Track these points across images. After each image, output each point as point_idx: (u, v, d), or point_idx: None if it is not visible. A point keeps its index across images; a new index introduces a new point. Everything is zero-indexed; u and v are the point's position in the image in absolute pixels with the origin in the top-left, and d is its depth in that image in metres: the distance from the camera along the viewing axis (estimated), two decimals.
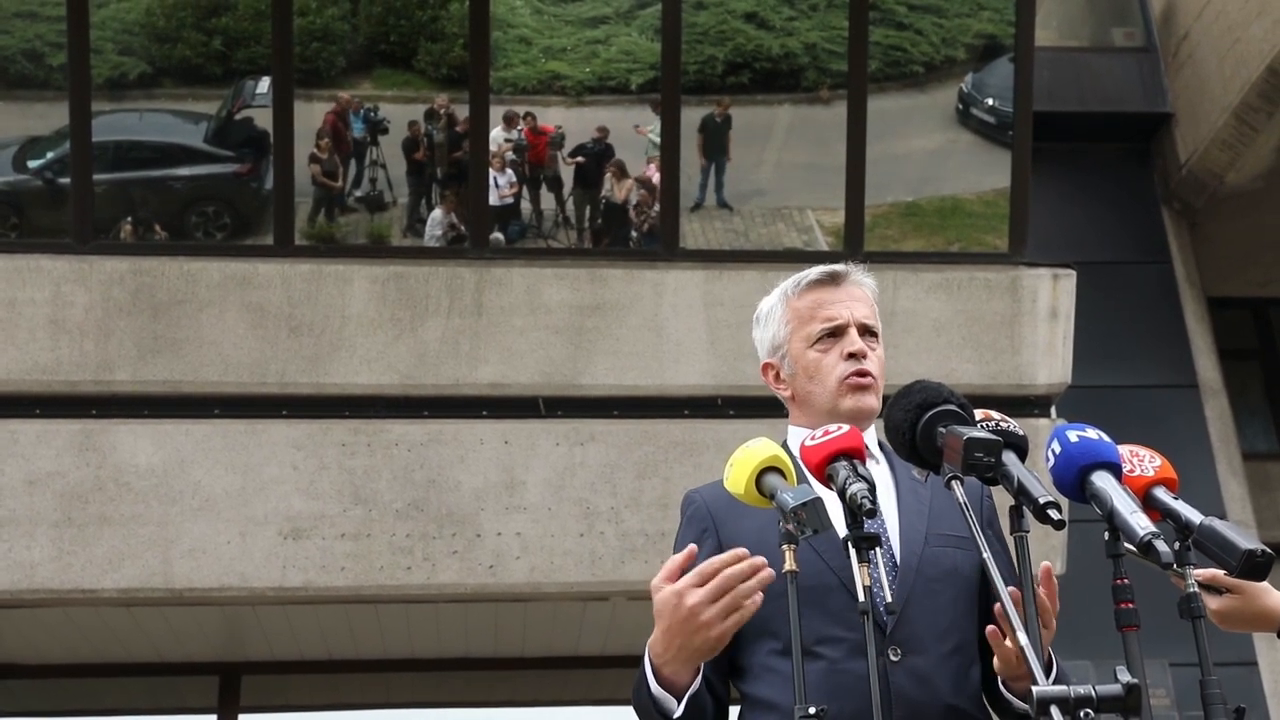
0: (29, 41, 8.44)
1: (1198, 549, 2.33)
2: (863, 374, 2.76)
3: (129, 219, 8.54)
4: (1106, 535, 2.28)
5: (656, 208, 8.55)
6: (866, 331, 2.82)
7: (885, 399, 2.65)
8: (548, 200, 8.77)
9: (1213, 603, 2.59)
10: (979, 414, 2.49)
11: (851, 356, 2.77)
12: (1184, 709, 9.62)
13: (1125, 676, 2.07)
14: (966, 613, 2.61)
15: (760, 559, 2.36)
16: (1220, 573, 2.49)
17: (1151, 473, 2.45)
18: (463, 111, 8.46)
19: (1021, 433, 2.44)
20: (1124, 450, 2.45)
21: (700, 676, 2.50)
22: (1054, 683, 2.13)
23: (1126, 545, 2.27)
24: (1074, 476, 2.37)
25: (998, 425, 2.44)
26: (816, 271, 2.87)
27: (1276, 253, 12.50)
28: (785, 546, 2.31)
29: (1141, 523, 2.23)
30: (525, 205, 8.74)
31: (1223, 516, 2.41)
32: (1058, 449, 2.40)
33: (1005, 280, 8.51)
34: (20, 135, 8.69)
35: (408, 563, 8.01)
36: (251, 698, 9.93)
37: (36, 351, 7.98)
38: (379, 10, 8.57)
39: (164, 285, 8.09)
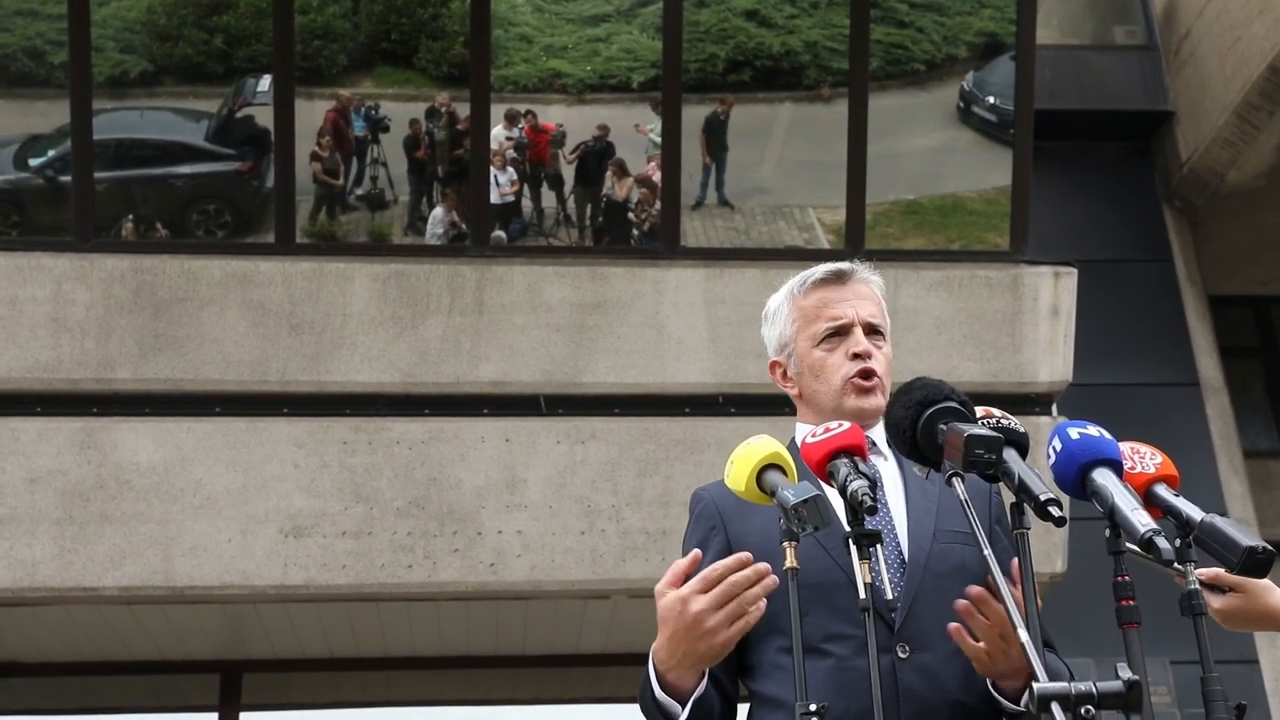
0: (30, 39, 8.44)
1: (1199, 546, 2.33)
2: (867, 374, 2.76)
3: (130, 217, 8.54)
4: (1107, 532, 2.28)
5: (657, 206, 8.55)
6: (873, 330, 2.81)
7: None
8: (549, 198, 8.77)
9: (1216, 602, 2.58)
10: (980, 411, 2.48)
11: (856, 356, 2.77)
12: (1185, 706, 9.62)
13: (1126, 673, 2.07)
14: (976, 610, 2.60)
15: (764, 565, 2.36)
16: (1223, 571, 2.49)
17: (1152, 470, 2.45)
18: (464, 110, 8.46)
19: (1022, 430, 2.43)
20: (1125, 447, 2.45)
21: (705, 679, 2.49)
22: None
23: (1127, 543, 2.27)
24: (1075, 473, 2.37)
25: (999, 422, 2.44)
26: (822, 270, 2.87)
27: (1278, 251, 12.50)
28: (785, 543, 2.31)
29: (1142, 520, 2.23)
30: (526, 203, 8.74)
31: (1224, 514, 2.41)
32: (1059, 446, 2.40)
33: (1006, 278, 8.51)
34: (21, 133, 8.69)
35: (409, 561, 8.01)
36: (253, 696, 9.93)
37: (37, 349, 7.98)
38: (380, 8, 8.57)
39: (165, 283, 8.09)
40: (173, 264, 8.13)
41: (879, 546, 2.31)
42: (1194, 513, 2.35)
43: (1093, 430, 2.41)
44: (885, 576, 2.41)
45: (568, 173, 8.71)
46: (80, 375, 7.99)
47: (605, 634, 9.42)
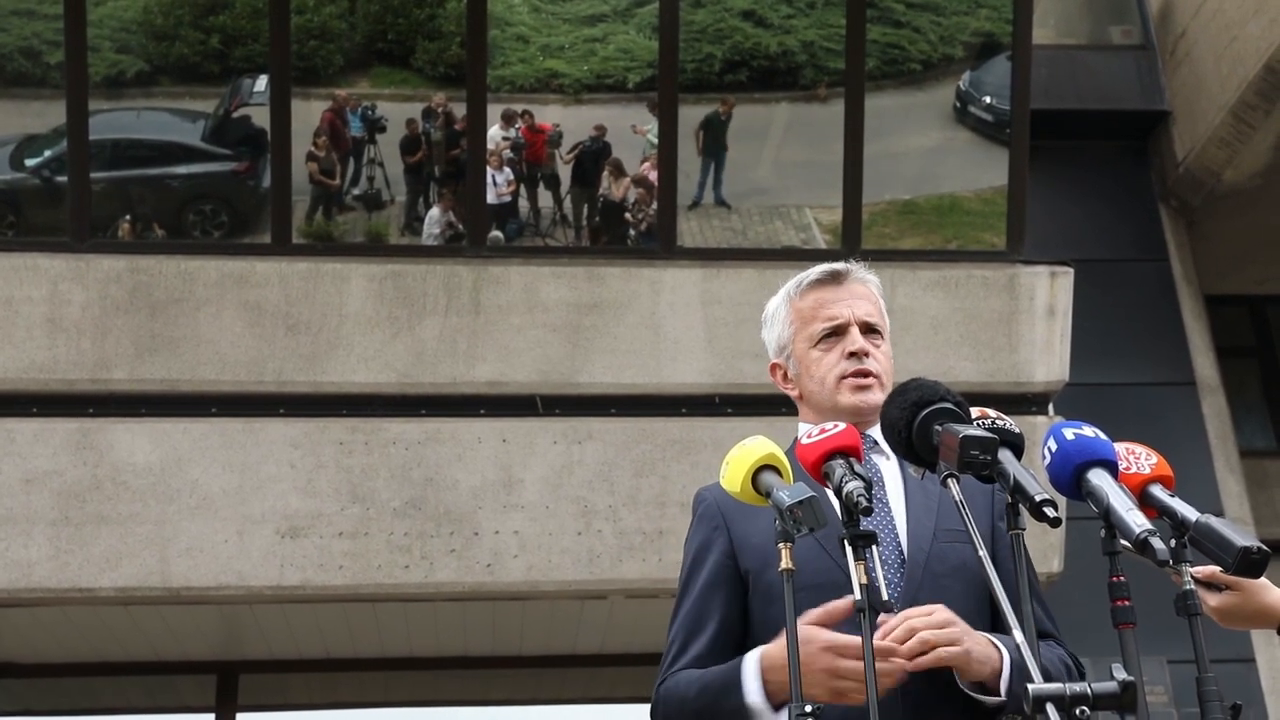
0: (26, 39, 8.43)
1: (1194, 546, 2.33)
2: (863, 373, 2.76)
3: (126, 217, 8.53)
4: (1103, 533, 2.28)
5: (654, 206, 8.55)
6: (869, 329, 2.82)
7: None
8: (545, 199, 8.77)
9: (1212, 600, 2.58)
10: (976, 412, 2.48)
11: (853, 355, 2.77)
12: (1181, 706, 9.62)
13: (1121, 674, 2.07)
14: (976, 608, 2.60)
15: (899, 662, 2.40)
16: (1218, 569, 2.49)
17: (1148, 470, 2.45)
18: (460, 110, 8.46)
19: (1018, 430, 2.43)
20: (1120, 448, 2.45)
21: None
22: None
23: (1123, 543, 2.27)
24: (1070, 474, 2.37)
25: (994, 423, 2.44)
26: (818, 271, 2.88)
27: (1274, 251, 12.50)
28: (781, 545, 2.31)
29: (1138, 520, 2.23)
30: (523, 204, 8.74)
31: (1220, 514, 2.42)
32: (1054, 446, 2.40)
33: (1003, 278, 8.51)
34: (17, 133, 8.69)
35: (405, 561, 8.01)
36: (249, 696, 9.92)
37: (33, 350, 7.98)
38: (376, 9, 8.56)
39: (161, 284, 8.09)
40: (169, 264, 8.12)
41: (874, 548, 2.31)
42: (1189, 513, 2.35)
43: (1088, 431, 2.41)
44: (881, 577, 2.40)
45: (564, 173, 8.71)
46: (76, 376, 7.98)
47: (602, 634, 9.42)
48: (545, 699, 10.43)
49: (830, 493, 2.41)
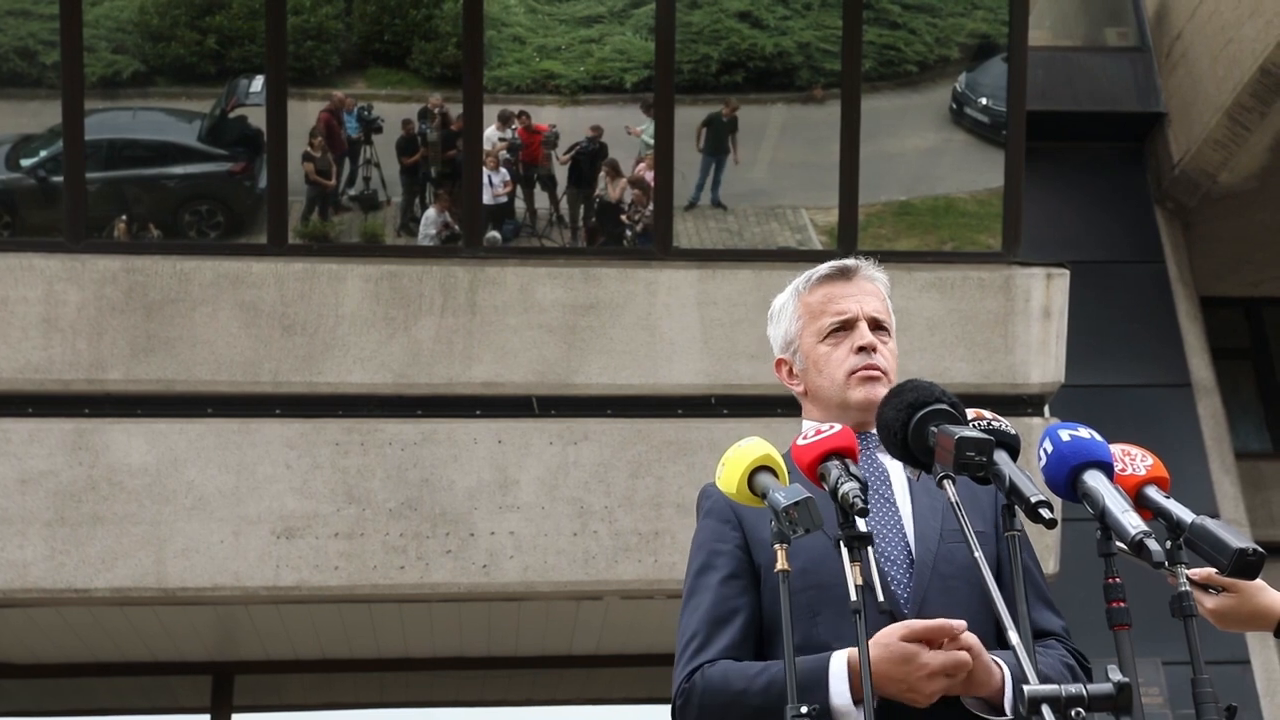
0: (22, 39, 8.43)
1: (1189, 548, 2.33)
2: (871, 367, 2.76)
3: (122, 217, 8.53)
4: (1098, 534, 2.28)
5: (650, 207, 8.55)
6: (877, 325, 2.82)
7: None
8: (541, 199, 8.77)
9: (1209, 602, 2.58)
10: (971, 413, 2.48)
11: (861, 350, 2.77)
12: (1177, 707, 9.63)
13: (1117, 675, 2.07)
14: (983, 610, 2.58)
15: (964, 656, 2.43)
16: (1215, 572, 2.49)
17: (1143, 472, 2.45)
18: (456, 110, 8.46)
19: (1014, 432, 2.43)
20: (1116, 449, 2.45)
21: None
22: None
23: (1118, 544, 2.27)
24: (1066, 475, 2.37)
25: (990, 424, 2.44)
26: (828, 266, 2.87)
27: (1269, 252, 12.52)
28: (776, 546, 2.31)
29: (1133, 521, 2.23)
30: (519, 204, 8.74)
31: (1215, 515, 2.42)
32: (1049, 448, 2.40)
33: (999, 279, 8.52)
34: (13, 133, 8.68)
35: (401, 562, 8.01)
36: (245, 697, 9.92)
37: (29, 350, 7.97)
38: (373, 9, 8.56)
39: (157, 284, 8.08)
40: (165, 265, 8.12)
41: (870, 548, 2.31)
42: (1185, 515, 2.35)
43: (1084, 432, 2.41)
44: (877, 577, 2.39)
45: (560, 174, 8.71)
46: (72, 376, 7.98)
47: (598, 635, 9.42)
48: (541, 700, 10.43)
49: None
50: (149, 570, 7.88)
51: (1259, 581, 2.54)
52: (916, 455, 2.44)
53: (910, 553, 2.61)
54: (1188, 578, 2.35)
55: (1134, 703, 2.06)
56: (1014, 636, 2.16)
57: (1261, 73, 10.84)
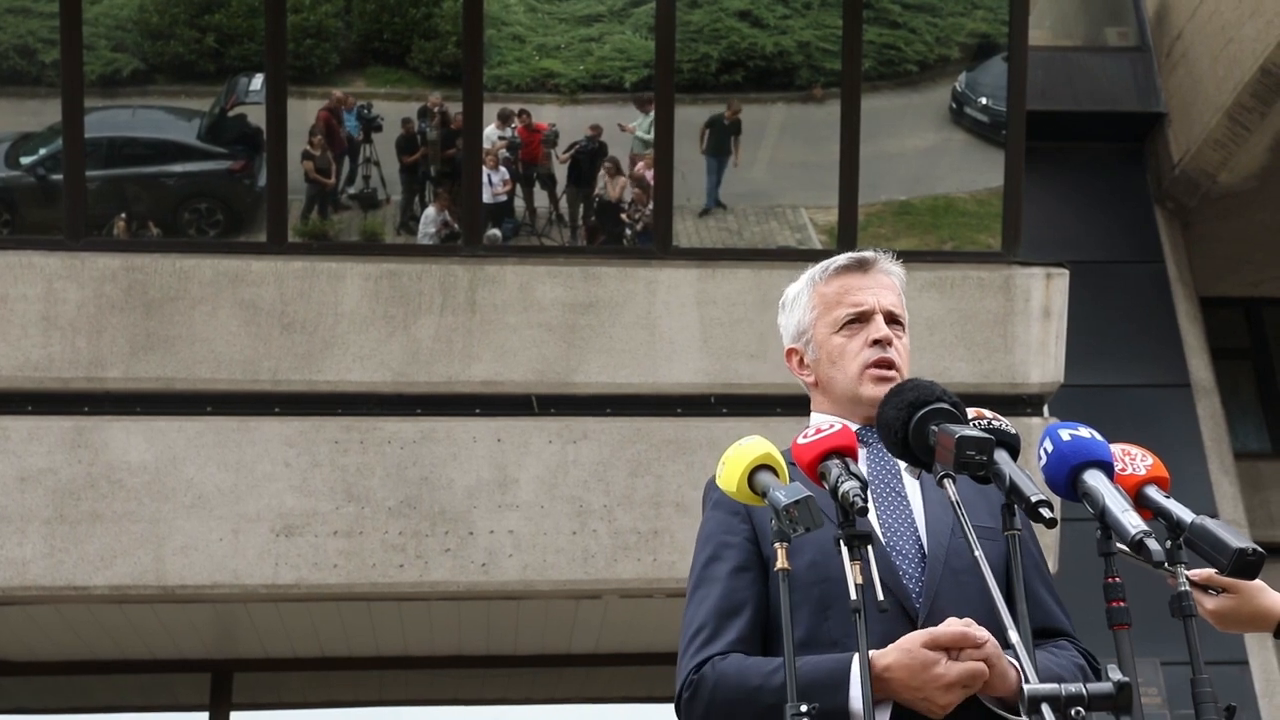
0: (22, 37, 8.42)
1: (1189, 548, 2.33)
2: (886, 363, 2.75)
3: (122, 215, 8.52)
4: (1098, 534, 2.28)
5: (650, 206, 8.55)
6: (893, 319, 2.81)
7: None
8: (541, 198, 8.77)
9: (1209, 603, 2.58)
10: (972, 413, 2.48)
11: (876, 343, 2.76)
12: (1175, 708, 9.63)
13: (1116, 675, 2.07)
14: (994, 605, 2.58)
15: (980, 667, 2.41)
16: (1215, 573, 2.49)
17: (1143, 471, 2.45)
18: (456, 109, 8.46)
19: (1014, 431, 2.44)
20: (1116, 449, 2.45)
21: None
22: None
23: (1118, 544, 2.27)
24: (1066, 475, 2.37)
25: (990, 424, 2.44)
26: (845, 257, 2.86)
27: (1269, 252, 12.52)
28: (777, 544, 2.31)
29: (1133, 521, 2.24)
30: (519, 203, 8.74)
31: (1214, 515, 2.42)
32: (1050, 447, 2.40)
33: (998, 279, 8.52)
34: (13, 131, 8.68)
35: (400, 560, 8.00)
36: (244, 695, 9.92)
37: (28, 348, 7.97)
38: (372, 7, 8.56)
39: (156, 282, 8.08)
40: (164, 263, 8.12)
41: (871, 548, 2.30)
42: (1185, 514, 2.35)
43: (1084, 432, 2.41)
44: (877, 577, 2.39)
45: (560, 172, 8.71)
46: (71, 374, 7.98)
47: (597, 634, 9.42)
48: (540, 698, 10.43)
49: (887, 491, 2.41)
50: (148, 568, 7.88)
51: (1259, 582, 2.54)
52: (917, 454, 2.44)
53: (922, 547, 2.60)
54: (1187, 578, 2.35)
55: (1134, 702, 2.06)
56: (1014, 636, 2.16)
57: (1262, 73, 10.84)
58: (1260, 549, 2.26)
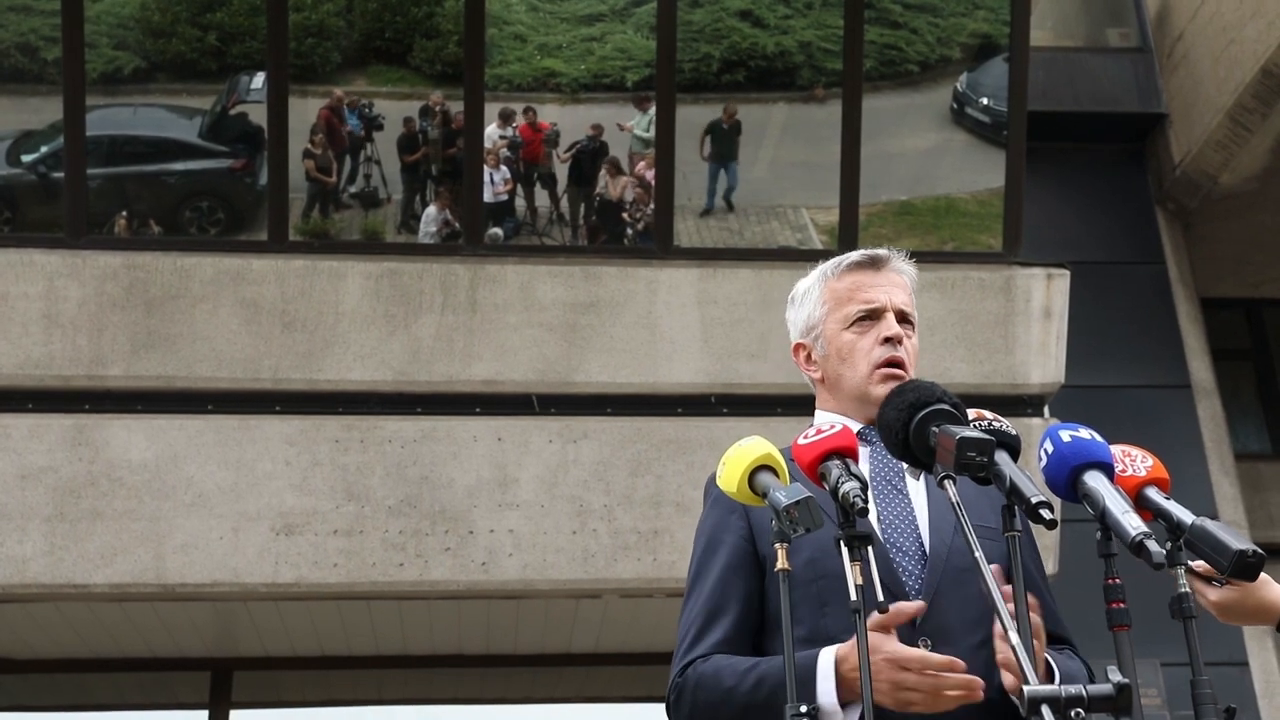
0: (23, 35, 8.43)
1: (1190, 549, 2.33)
2: (896, 362, 2.74)
3: (123, 214, 8.53)
4: (1098, 535, 2.28)
5: (651, 206, 8.55)
6: (904, 318, 2.81)
7: None
8: (542, 197, 8.77)
9: (1212, 595, 2.57)
10: (972, 414, 2.48)
11: (887, 341, 2.75)
12: (1175, 709, 9.63)
13: (1116, 676, 2.07)
14: (995, 605, 2.57)
15: (971, 680, 2.38)
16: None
17: (1143, 473, 2.45)
18: (457, 108, 8.46)
19: (1014, 432, 2.43)
20: (1116, 450, 2.45)
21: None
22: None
23: (1118, 544, 2.27)
24: (1066, 476, 2.37)
25: (990, 425, 2.44)
26: (858, 254, 2.85)
27: (1269, 254, 12.52)
28: (777, 545, 2.31)
29: (1133, 523, 2.23)
30: (520, 202, 8.74)
31: (1215, 517, 2.41)
32: (1050, 448, 2.40)
33: (999, 280, 8.52)
34: (14, 129, 8.68)
35: (400, 559, 8.01)
36: (243, 693, 9.92)
37: (29, 346, 7.97)
38: (374, 6, 8.56)
39: (157, 280, 8.09)
40: (165, 261, 8.12)
41: (871, 548, 2.30)
42: (1185, 516, 2.35)
43: (1084, 433, 2.41)
44: (877, 577, 2.39)
45: (561, 172, 8.71)
46: (72, 372, 7.98)
47: (597, 634, 9.42)
48: (539, 698, 10.43)
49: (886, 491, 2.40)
50: (148, 566, 7.88)
51: (1263, 575, 2.54)
52: (918, 455, 2.44)
53: (923, 546, 2.60)
54: (1192, 571, 2.36)
55: (1134, 703, 2.06)
56: (1014, 637, 2.16)
57: (1263, 74, 10.85)
58: (1260, 550, 2.27)
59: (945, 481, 2.34)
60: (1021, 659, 2.13)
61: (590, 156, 8.68)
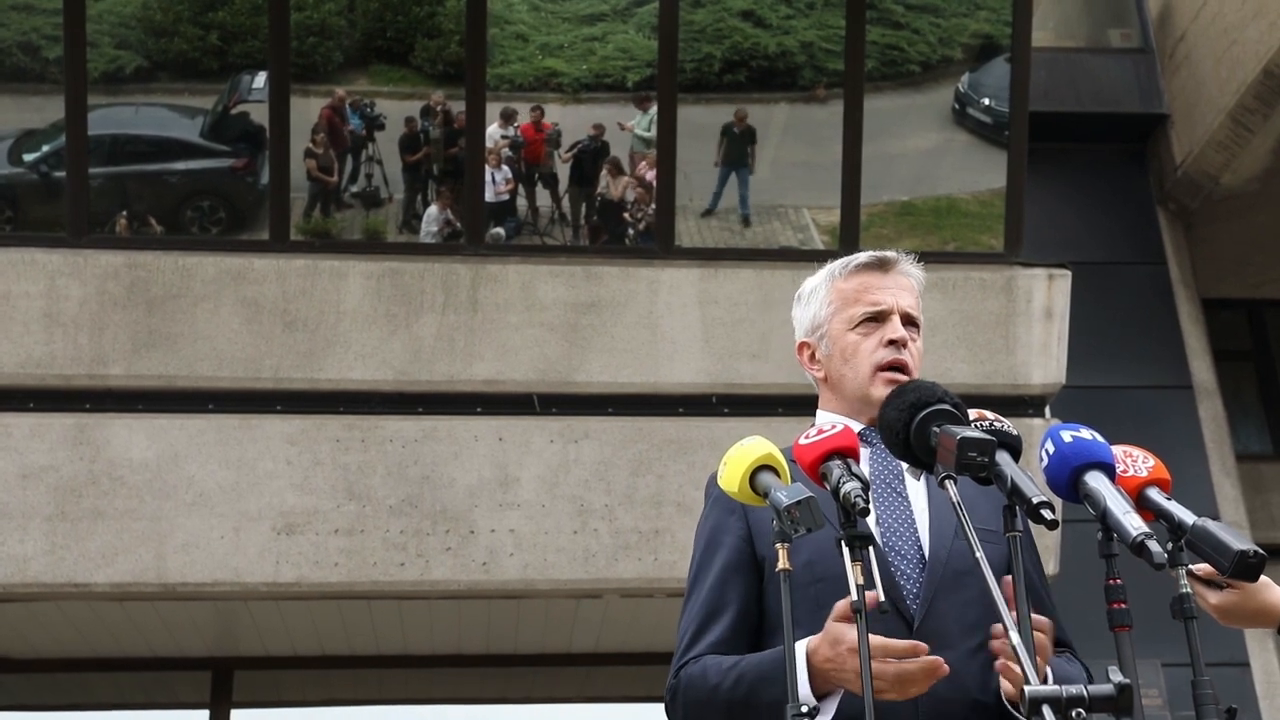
0: (25, 34, 8.43)
1: (1191, 550, 2.32)
2: (899, 364, 2.74)
3: (124, 213, 8.53)
4: (1099, 535, 2.28)
5: (652, 206, 8.55)
6: (909, 321, 2.80)
7: None
8: (544, 197, 8.77)
9: (1213, 598, 2.57)
10: (973, 414, 2.48)
11: (892, 344, 2.75)
12: (1176, 709, 9.62)
13: (1117, 676, 2.07)
14: (995, 607, 2.57)
15: (938, 662, 2.37)
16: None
17: (1145, 473, 2.45)
18: (459, 108, 8.46)
19: (1016, 433, 2.43)
20: (1117, 450, 2.45)
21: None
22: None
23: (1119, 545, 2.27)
24: (1067, 477, 2.37)
25: (992, 425, 2.43)
26: (866, 255, 2.85)
27: (1271, 254, 12.51)
28: (778, 545, 2.31)
29: (1134, 523, 2.23)
30: (521, 202, 8.74)
31: (1216, 517, 2.41)
32: (1051, 449, 2.40)
33: (1000, 280, 8.52)
34: (16, 128, 8.68)
35: (401, 559, 8.01)
36: (244, 693, 9.92)
37: (31, 345, 7.97)
38: (376, 6, 8.56)
39: (159, 279, 8.09)
40: (167, 260, 8.12)
41: (872, 549, 2.30)
42: (1186, 516, 2.35)
43: (1085, 433, 2.41)
44: (878, 577, 2.38)
45: (563, 172, 8.71)
46: (73, 371, 7.98)
47: (597, 633, 9.42)
48: (539, 698, 10.43)
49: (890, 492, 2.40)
50: (149, 565, 7.88)
51: (1263, 578, 2.54)
52: (919, 455, 2.44)
53: (922, 549, 2.59)
54: (1193, 574, 2.35)
55: (1135, 704, 2.05)
56: (1015, 638, 2.16)
57: (1264, 74, 10.84)
58: (1261, 551, 2.27)
59: (946, 482, 2.34)
60: (1022, 659, 2.13)
61: (591, 156, 8.68)
